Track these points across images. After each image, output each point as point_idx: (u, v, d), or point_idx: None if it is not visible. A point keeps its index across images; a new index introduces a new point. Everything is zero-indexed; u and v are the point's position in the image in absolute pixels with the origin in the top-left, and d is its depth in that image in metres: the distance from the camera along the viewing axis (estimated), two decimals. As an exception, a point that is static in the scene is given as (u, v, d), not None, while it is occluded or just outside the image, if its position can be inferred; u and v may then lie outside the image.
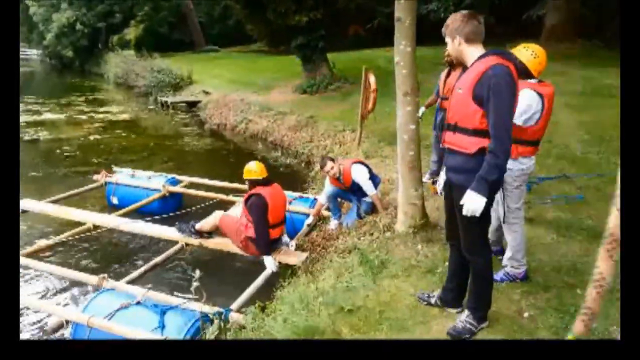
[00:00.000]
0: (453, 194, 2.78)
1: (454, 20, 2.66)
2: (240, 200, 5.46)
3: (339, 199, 5.68)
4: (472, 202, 2.51)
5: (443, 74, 5.87)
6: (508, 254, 3.52)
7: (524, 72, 3.26)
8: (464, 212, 2.57)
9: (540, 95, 3.27)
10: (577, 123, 7.98)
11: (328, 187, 5.49)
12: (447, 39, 2.71)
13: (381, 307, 3.31)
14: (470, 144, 2.60)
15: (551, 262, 3.77)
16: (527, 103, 3.25)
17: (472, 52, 2.63)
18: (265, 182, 4.89)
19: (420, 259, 3.98)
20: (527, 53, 3.32)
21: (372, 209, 5.39)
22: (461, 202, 2.57)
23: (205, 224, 5.14)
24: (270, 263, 4.72)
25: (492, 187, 2.53)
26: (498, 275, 3.51)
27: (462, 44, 2.64)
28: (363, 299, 3.42)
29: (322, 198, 5.59)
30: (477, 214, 2.53)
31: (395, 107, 4.47)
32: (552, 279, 3.51)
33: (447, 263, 3.81)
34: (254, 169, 4.91)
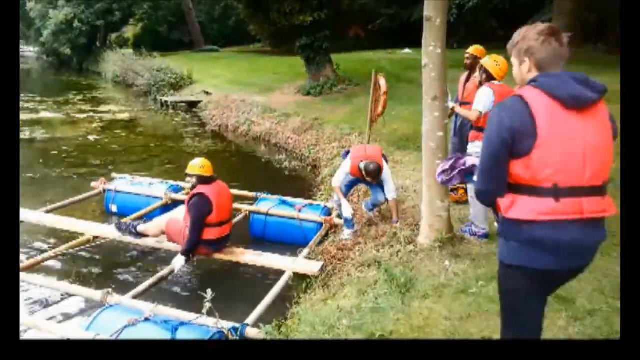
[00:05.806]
0: None
1: (525, 38, 2.00)
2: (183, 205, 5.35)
3: (353, 188, 5.50)
4: None
5: (462, 78, 5.64)
6: (471, 217, 4.55)
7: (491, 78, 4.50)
8: None
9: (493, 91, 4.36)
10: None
11: (345, 175, 5.10)
12: (513, 60, 2.07)
13: (415, 333, 3.01)
14: None
15: (592, 281, 3.49)
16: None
17: None
18: (208, 180, 4.79)
19: (450, 276, 3.69)
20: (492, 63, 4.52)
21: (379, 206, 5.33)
22: None
23: (151, 227, 5.12)
24: (180, 263, 4.56)
25: None
26: (466, 227, 4.56)
27: (532, 71, 1.99)
28: (394, 323, 3.13)
29: (336, 181, 5.15)
30: None
31: (399, 110, 4.24)
32: (597, 302, 3.24)
33: (480, 282, 3.55)
34: (198, 165, 4.83)
